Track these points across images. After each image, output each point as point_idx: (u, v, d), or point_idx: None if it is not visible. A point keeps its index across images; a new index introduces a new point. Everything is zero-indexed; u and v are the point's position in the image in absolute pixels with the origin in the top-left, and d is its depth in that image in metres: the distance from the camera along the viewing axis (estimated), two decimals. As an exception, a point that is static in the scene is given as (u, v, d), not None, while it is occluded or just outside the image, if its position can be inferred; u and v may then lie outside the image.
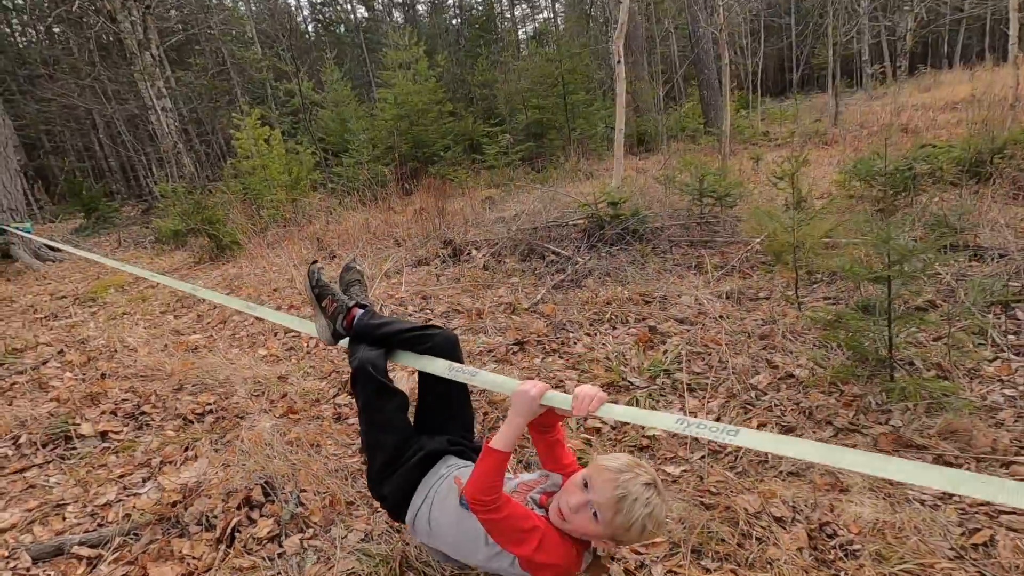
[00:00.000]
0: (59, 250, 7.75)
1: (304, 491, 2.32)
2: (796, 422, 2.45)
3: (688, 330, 3.34)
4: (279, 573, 1.95)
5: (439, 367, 1.64)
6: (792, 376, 2.78)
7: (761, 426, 2.47)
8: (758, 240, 4.40)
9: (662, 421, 1.30)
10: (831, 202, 4.11)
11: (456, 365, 1.64)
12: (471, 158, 11.31)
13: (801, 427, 2.42)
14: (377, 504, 2.13)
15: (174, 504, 2.30)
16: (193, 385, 3.38)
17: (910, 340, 2.82)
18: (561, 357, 3.26)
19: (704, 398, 2.70)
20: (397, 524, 2.12)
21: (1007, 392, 2.43)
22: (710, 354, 3.04)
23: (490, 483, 1.33)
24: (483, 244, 5.51)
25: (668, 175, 6.08)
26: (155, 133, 11.85)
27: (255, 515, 2.23)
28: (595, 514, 1.31)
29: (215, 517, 2.21)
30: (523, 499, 1.47)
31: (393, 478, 1.63)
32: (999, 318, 2.97)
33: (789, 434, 2.38)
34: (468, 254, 5.40)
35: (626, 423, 2.58)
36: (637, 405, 2.65)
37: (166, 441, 2.80)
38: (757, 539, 1.88)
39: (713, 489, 2.13)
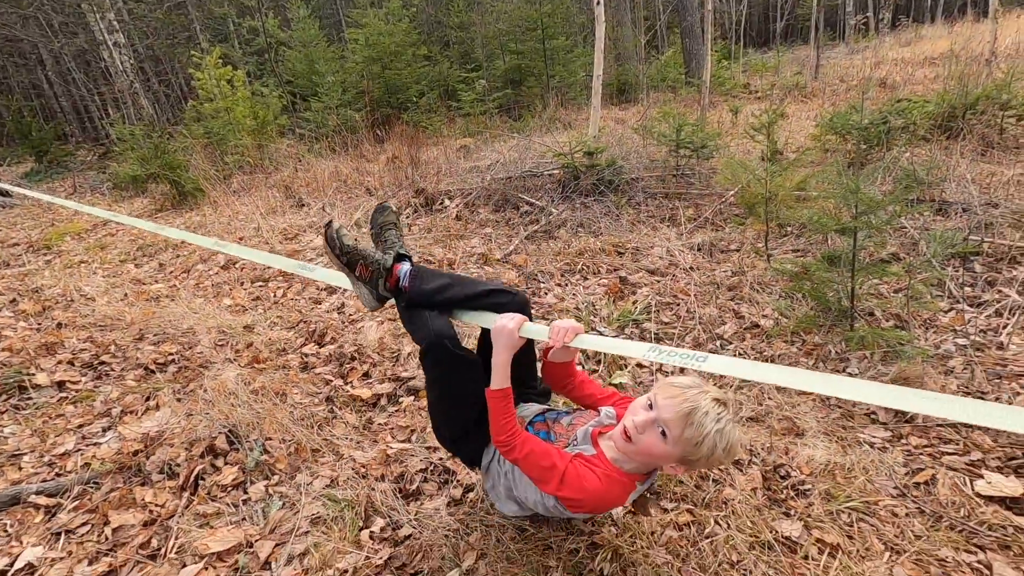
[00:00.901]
0: (9, 194, 7.35)
1: (269, 439, 2.31)
2: (758, 370, 2.51)
3: (659, 281, 3.36)
4: (244, 518, 1.95)
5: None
6: (757, 326, 2.82)
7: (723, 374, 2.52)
8: (732, 192, 4.39)
9: (635, 349, 1.32)
10: (804, 154, 4.09)
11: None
12: (446, 105, 10.92)
13: (762, 375, 2.47)
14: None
15: (135, 453, 2.27)
16: (155, 335, 3.29)
17: (872, 291, 2.88)
18: (533, 307, 3.26)
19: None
20: (366, 471, 2.13)
21: (959, 341, 2.51)
22: (679, 304, 3.07)
23: (501, 423, 1.41)
24: (456, 194, 5.39)
25: (646, 126, 5.98)
26: (108, 71, 11.11)
27: (219, 463, 2.21)
28: (663, 432, 1.29)
29: (178, 466, 2.20)
30: (572, 433, 1.52)
31: (470, 438, 1.64)
32: (957, 271, 3.04)
33: (748, 381, 2.44)
34: (441, 204, 5.28)
35: (598, 367, 2.61)
36: (604, 356, 2.68)
37: (126, 391, 2.73)
38: (714, 481, 1.95)
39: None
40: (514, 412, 1.45)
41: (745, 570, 1.62)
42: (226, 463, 2.21)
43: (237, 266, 4.39)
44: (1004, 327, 2.54)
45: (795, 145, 5.99)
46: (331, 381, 2.74)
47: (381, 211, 1.82)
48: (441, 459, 2.17)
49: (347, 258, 1.63)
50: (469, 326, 2.38)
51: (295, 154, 8.24)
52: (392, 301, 1.69)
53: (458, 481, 2.06)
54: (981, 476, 1.84)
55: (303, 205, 5.94)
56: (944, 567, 1.57)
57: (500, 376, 1.46)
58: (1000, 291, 2.81)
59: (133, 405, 2.62)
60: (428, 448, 2.24)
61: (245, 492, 2.07)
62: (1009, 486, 1.77)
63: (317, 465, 2.19)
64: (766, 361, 2.56)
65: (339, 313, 3.48)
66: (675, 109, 6.43)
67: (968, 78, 5.45)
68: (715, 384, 2.08)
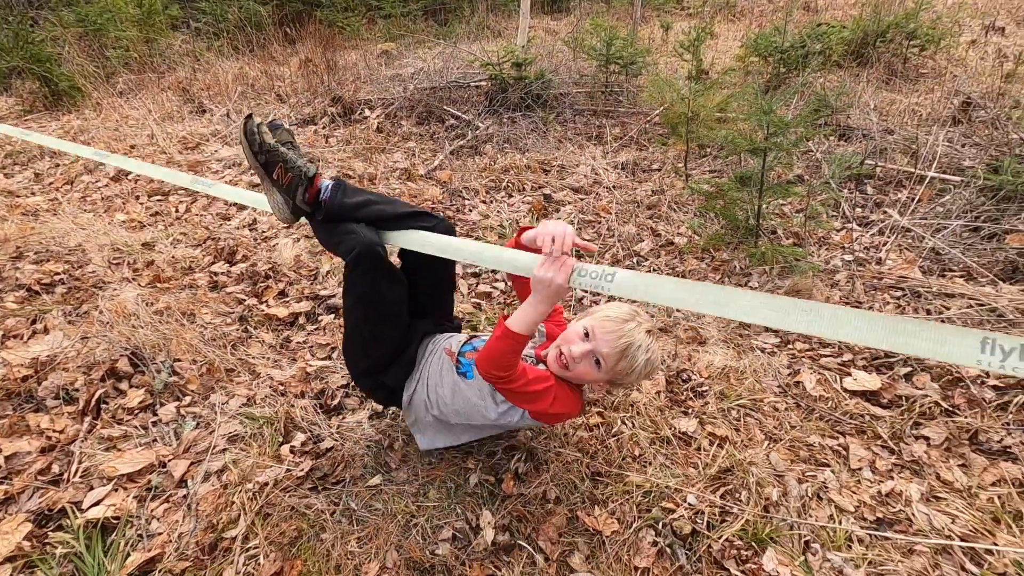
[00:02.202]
0: None
1: (178, 361, 2.20)
2: (670, 285, 2.65)
3: (582, 199, 3.39)
4: (155, 440, 1.89)
5: (449, 245, 1.44)
6: (672, 243, 2.95)
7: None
8: (657, 112, 4.41)
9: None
10: (726, 74, 4.13)
11: (458, 242, 1.47)
12: (366, 4, 9.95)
13: (673, 289, 2.62)
14: (354, 389, 2.10)
15: (24, 379, 2.10)
16: (36, 253, 2.97)
17: (776, 211, 3.06)
18: (456, 225, 3.21)
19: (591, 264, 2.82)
20: (284, 388, 2.10)
21: (846, 257, 2.76)
22: (600, 222, 3.13)
23: (508, 362, 1.33)
24: (378, 104, 5.05)
25: (577, 38, 5.76)
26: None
27: (123, 386, 2.10)
28: (597, 362, 1.40)
29: (76, 390, 2.06)
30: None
31: (392, 369, 1.59)
32: (852, 192, 3.29)
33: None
34: (361, 114, 4.94)
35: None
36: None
37: (7, 313, 2.48)
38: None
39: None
40: (520, 356, 1.37)
41: (645, 461, 1.79)
42: (131, 386, 2.10)
43: (130, 177, 3.97)
44: (884, 245, 2.81)
45: (721, 65, 6.03)
46: (244, 300, 2.62)
47: (275, 128, 1.56)
48: (363, 375, 2.18)
49: (266, 157, 1.44)
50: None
51: (192, 52, 7.31)
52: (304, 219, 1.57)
53: (380, 395, 2.09)
54: (849, 374, 2.10)
55: (204, 111, 5.36)
56: (811, 451, 1.81)
57: (530, 323, 1.30)
58: (885, 212, 3.07)
59: (16, 329, 2.39)
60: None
61: (155, 414, 1.99)
62: (870, 381, 2.04)
63: (233, 385, 2.13)
64: (679, 277, 2.70)
65: (251, 230, 3.27)
66: (607, 22, 6.21)
67: (882, 5, 5.62)
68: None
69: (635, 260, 2.84)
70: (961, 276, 2.54)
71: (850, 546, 1.50)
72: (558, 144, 4.22)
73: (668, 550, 1.50)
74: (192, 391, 2.09)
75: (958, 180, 3.09)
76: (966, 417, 1.86)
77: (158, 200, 3.68)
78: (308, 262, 2.90)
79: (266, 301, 2.63)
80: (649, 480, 1.71)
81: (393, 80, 5.68)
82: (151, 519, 1.63)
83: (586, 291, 2.62)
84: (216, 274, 2.82)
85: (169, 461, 1.81)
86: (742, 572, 1.44)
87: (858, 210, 3.14)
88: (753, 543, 1.51)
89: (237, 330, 2.41)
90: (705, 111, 3.55)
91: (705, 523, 1.57)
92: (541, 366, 1.51)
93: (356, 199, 1.49)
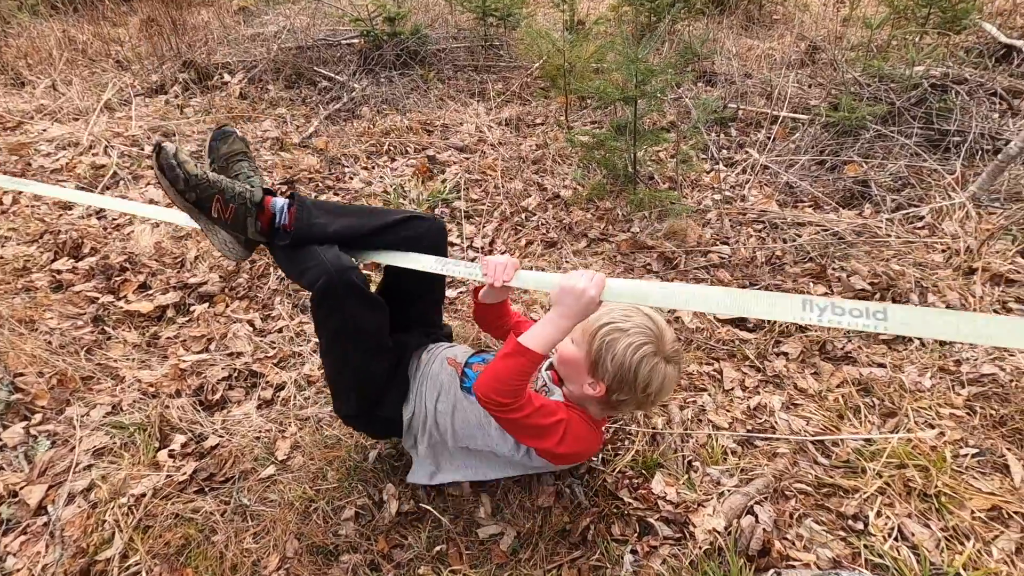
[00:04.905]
0: None
1: (21, 375, 1.93)
2: (558, 237, 2.71)
3: (468, 158, 3.33)
4: (0, 467, 1.66)
5: (429, 263, 1.31)
6: (558, 196, 3.00)
7: (528, 243, 2.67)
8: (537, 65, 4.39)
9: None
10: (597, 23, 4.18)
11: (451, 263, 1.32)
12: (214, -47, 8.86)
13: (562, 241, 2.68)
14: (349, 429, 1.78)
15: None
16: None
17: (652, 157, 3.20)
18: (337, 194, 3.04)
19: (480, 223, 2.81)
20: (156, 389, 1.92)
21: (715, 197, 2.96)
22: (487, 181, 3.10)
23: (514, 386, 1.12)
24: (238, 67, 4.58)
25: (452, -11, 5.53)
26: None
27: (-49, 412, 1.81)
28: (571, 339, 1.28)
29: None
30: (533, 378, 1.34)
31: (386, 399, 1.40)
32: (718, 135, 3.50)
33: (551, 248, 2.63)
34: (220, 80, 4.47)
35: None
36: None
37: None
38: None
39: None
40: (531, 380, 1.19)
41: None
42: (-38, 411, 1.82)
43: (-68, 169, 3.33)
44: (747, 183, 3.04)
45: (596, 16, 6.09)
46: (97, 299, 2.33)
47: (223, 138, 1.33)
48: (246, 363, 2.04)
49: (196, 194, 1.16)
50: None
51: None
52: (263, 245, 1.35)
53: (267, 382, 1.97)
54: (721, 305, 2.28)
55: (23, 84, 4.58)
56: (691, 379, 1.97)
57: (549, 341, 1.14)
58: (747, 152, 3.31)
59: None
60: (230, 355, 2.08)
61: (-3, 439, 1.75)
62: (738, 309, 2.23)
63: (92, 394, 1.91)
64: (566, 229, 2.76)
65: (98, 218, 2.89)
66: (482, -29, 6.00)
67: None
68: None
69: (523, 216, 2.86)
70: (810, 206, 2.82)
71: (725, 458, 1.67)
72: (440, 103, 4.09)
73: (567, 490, 1.58)
74: (42, 407, 1.85)
75: (806, 118, 3.39)
76: (816, 331, 2.09)
77: (-26, 193, 3.13)
78: (171, 248, 2.62)
79: (125, 296, 2.36)
80: (547, 428, 1.77)
81: (254, 40, 5.17)
82: (6, 555, 1.45)
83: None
84: (59, 272, 2.47)
85: (22, 488, 1.61)
86: (634, 498, 1.55)
87: (724, 151, 3.36)
88: (643, 471, 1.63)
89: (91, 332, 2.15)
90: (581, 62, 3.59)
91: (600, 459, 1.67)
92: (556, 396, 1.31)
93: (327, 217, 1.27)
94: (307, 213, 1.27)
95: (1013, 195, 2.66)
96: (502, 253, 1.55)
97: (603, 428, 1.35)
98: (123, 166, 3.27)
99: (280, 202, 1.29)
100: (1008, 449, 1.61)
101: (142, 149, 3.54)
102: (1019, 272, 2.19)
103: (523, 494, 1.57)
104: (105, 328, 2.19)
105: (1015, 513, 1.46)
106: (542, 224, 2.79)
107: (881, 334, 2.04)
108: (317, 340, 1.37)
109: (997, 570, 1.34)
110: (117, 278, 2.44)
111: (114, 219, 2.87)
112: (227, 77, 4.46)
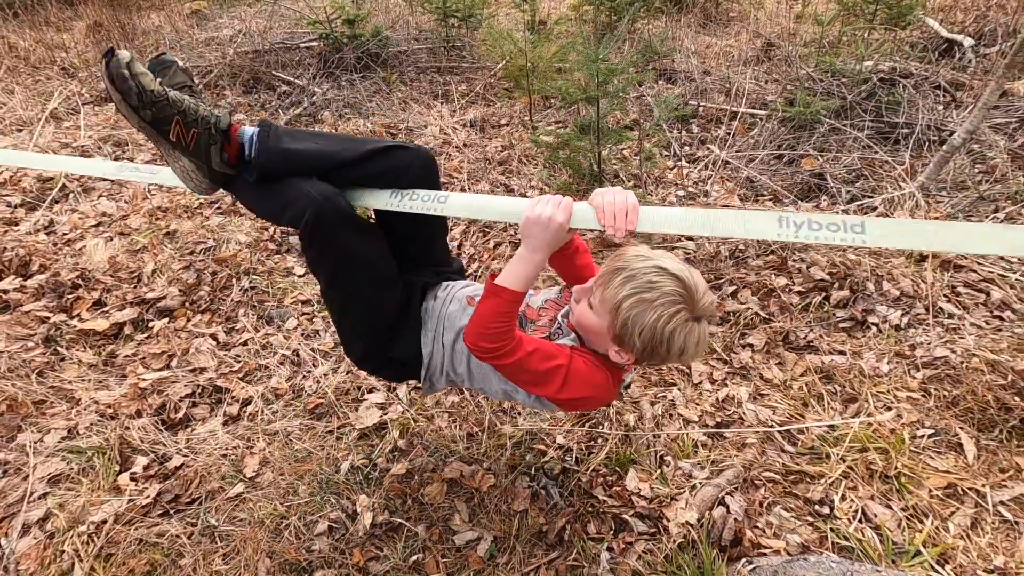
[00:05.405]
0: None
1: (-34, 402, 1.83)
2: (526, 239, 2.71)
3: (433, 162, 3.31)
4: (-53, 501, 1.58)
5: (430, 202, 1.17)
6: (525, 197, 3.00)
7: (497, 246, 2.67)
8: (500, 65, 4.39)
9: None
10: (558, 23, 4.20)
11: (441, 195, 1.18)
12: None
13: (530, 242, 2.68)
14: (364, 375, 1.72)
15: None
16: None
17: (616, 156, 3.23)
18: (300, 202, 2.98)
19: (448, 226, 2.79)
20: (114, 411, 1.85)
21: (679, 193, 3.00)
22: (453, 183, 3.09)
23: (498, 328, 1.03)
24: (193, 72, 4.45)
25: (412, -10, 5.48)
26: None
27: None
28: (589, 302, 1.12)
29: None
30: (551, 319, 1.23)
31: (397, 340, 1.26)
32: (680, 132, 3.56)
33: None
34: (173, 86, 4.33)
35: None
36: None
37: None
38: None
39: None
40: (515, 321, 1.08)
41: (516, 413, 1.84)
42: (-98, 444, 1.72)
43: None
44: (709, 178, 3.10)
45: (558, 16, 6.12)
46: (48, 318, 2.23)
47: (161, 68, 1.13)
48: (210, 379, 1.98)
49: (153, 112, 1.02)
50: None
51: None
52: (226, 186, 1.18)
53: (233, 398, 1.92)
54: (688, 299, 2.31)
55: (-39, 94, 4.35)
56: (660, 374, 1.99)
57: (523, 277, 1.05)
58: (708, 148, 3.38)
59: None
60: (192, 371, 2.02)
61: (-58, 471, 1.66)
62: (704, 303, 2.27)
63: (46, 418, 1.83)
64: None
65: (47, 233, 2.77)
66: (442, -28, 5.96)
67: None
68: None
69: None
70: (770, 199, 2.90)
71: (696, 451, 1.70)
72: (404, 105, 4.05)
73: (543, 491, 1.58)
74: (-9, 435, 1.76)
75: (764, 114, 3.47)
76: (779, 322, 2.15)
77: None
78: (127, 263, 2.53)
79: (78, 315, 2.26)
80: (520, 429, 1.77)
81: (208, 44, 5.03)
82: (-45, 594, 1.38)
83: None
84: (6, 292, 2.36)
85: (-29, 522, 1.53)
86: (609, 496, 1.56)
87: (686, 148, 3.42)
88: (617, 468, 1.64)
89: (43, 354, 2.06)
90: (543, 62, 3.60)
91: (574, 459, 1.68)
92: (566, 340, 1.18)
93: (297, 145, 1.13)
94: (275, 135, 1.13)
95: (958, 184, 2.78)
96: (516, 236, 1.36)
97: (628, 371, 1.19)
98: (72, 178, 3.14)
99: (250, 131, 1.14)
100: (961, 428, 1.68)
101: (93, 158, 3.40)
102: (965, 258, 2.29)
103: (498, 499, 1.57)
104: (58, 349, 2.09)
105: (969, 490, 1.52)
106: (510, 226, 2.79)
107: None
108: (316, 280, 1.26)
109: (954, 545, 1.40)
110: (69, 295, 2.34)
111: (64, 233, 2.75)
112: (181, 83, 4.32)
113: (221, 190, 1.20)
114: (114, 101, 1.02)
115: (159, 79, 1.07)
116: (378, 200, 1.20)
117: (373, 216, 1.36)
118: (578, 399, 1.14)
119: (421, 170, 1.22)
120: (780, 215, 0.96)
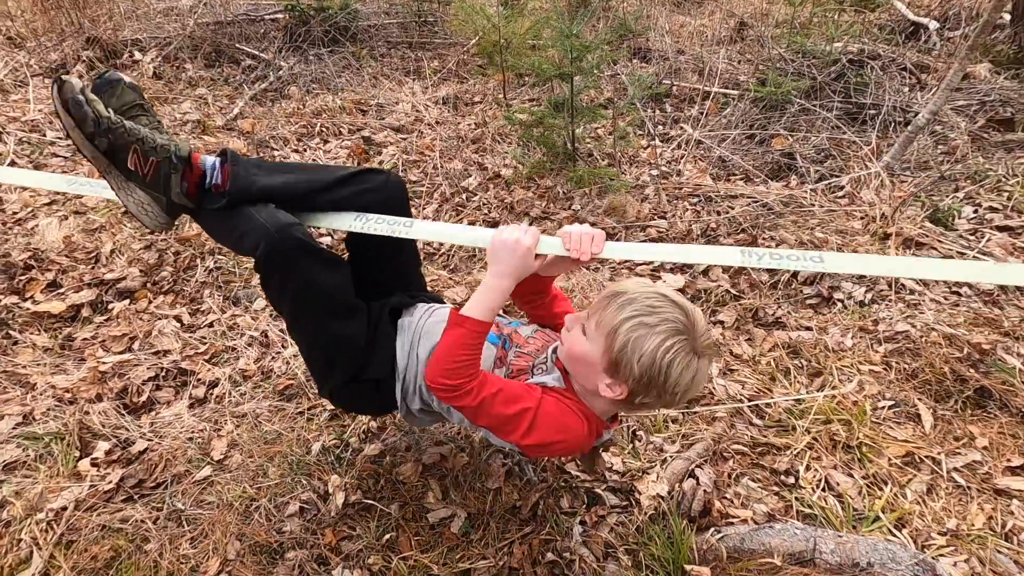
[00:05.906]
0: None
1: (-89, 389, 1.75)
2: (500, 217, 2.69)
3: (404, 139, 3.24)
4: None
5: (394, 225, 1.16)
6: (499, 175, 2.97)
7: (472, 223, 2.64)
8: (473, 41, 4.30)
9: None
10: (531, -1, 4.13)
11: (406, 221, 1.17)
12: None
13: (504, 220, 2.66)
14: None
15: None
16: None
17: (590, 134, 3.22)
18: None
19: (420, 205, 2.74)
20: (73, 395, 1.78)
21: (653, 172, 3.01)
22: (426, 161, 3.03)
23: (463, 359, 0.99)
24: (150, 44, 4.24)
25: (381, -39, 5.30)
26: None
27: None
28: (583, 327, 1.08)
29: None
30: (538, 349, 1.19)
31: (373, 356, 1.21)
32: (654, 111, 3.56)
33: (493, 228, 2.61)
34: (130, 57, 4.12)
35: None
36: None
37: None
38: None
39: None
40: (479, 356, 1.03)
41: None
42: None
43: None
44: (682, 158, 3.11)
45: (532, -9, 6.01)
46: (-1, 300, 2.13)
47: (107, 88, 1.08)
48: (175, 361, 1.92)
49: (108, 141, 0.98)
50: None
51: None
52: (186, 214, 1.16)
53: (199, 380, 1.87)
54: (660, 278, 2.33)
55: None
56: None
57: (488, 306, 1.02)
58: (682, 127, 3.38)
59: None
60: (156, 353, 1.96)
61: None
62: (676, 281, 2.29)
63: (-1, 404, 1.75)
64: (507, 208, 2.74)
65: (-5, 212, 2.63)
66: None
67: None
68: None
69: (464, 196, 2.82)
70: (741, 179, 2.93)
71: (668, 426, 1.72)
72: (374, 81, 3.95)
73: (516, 468, 1.59)
74: (-61, 423, 1.68)
75: (736, 93, 3.49)
76: (749, 299, 2.19)
77: None
78: (84, 242, 2.42)
79: (31, 297, 2.16)
80: (494, 408, 1.77)
81: (167, 15, 4.79)
82: (-95, 587, 1.32)
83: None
84: (-49, 274, 2.24)
85: (-81, 514, 1.46)
86: (582, 471, 1.58)
87: (660, 127, 3.42)
88: (590, 443, 1.66)
89: (-10, 337, 1.96)
90: (517, 39, 3.54)
91: (548, 436, 1.68)
92: (549, 378, 1.12)
93: (268, 180, 1.11)
94: (244, 169, 1.11)
95: (922, 164, 2.85)
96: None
97: (610, 428, 1.16)
98: (22, 154, 2.98)
99: (211, 159, 1.12)
100: (919, 399, 1.74)
101: (43, 135, 3.23)
102: (927, 236, 2.35)
103: (473, 477, 1.57)
104: (10, 332, 2.00)
105: (926, 457, 1.58)
106: (483, 204, 2.76)
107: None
108: (280, 316, 1.27)
109: (911, 510, 1.45)
110: (21, 277, 2.23)
111: (14, 212, 2.62)
112: (138, 55, 4.12)
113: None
114: (66, 129, 0.97)
115: (109, 102, 1.03)
116: (342, 222, 1.19)
117: (345, 250, 1.36)
118: (545, 444, 1.06)
119: (393, 192, 1.24)
120: (742, 249, 1.07)
